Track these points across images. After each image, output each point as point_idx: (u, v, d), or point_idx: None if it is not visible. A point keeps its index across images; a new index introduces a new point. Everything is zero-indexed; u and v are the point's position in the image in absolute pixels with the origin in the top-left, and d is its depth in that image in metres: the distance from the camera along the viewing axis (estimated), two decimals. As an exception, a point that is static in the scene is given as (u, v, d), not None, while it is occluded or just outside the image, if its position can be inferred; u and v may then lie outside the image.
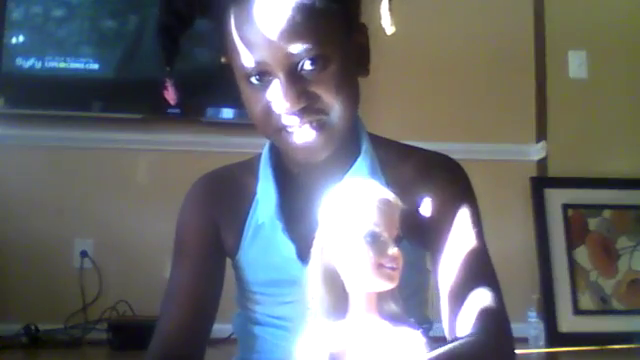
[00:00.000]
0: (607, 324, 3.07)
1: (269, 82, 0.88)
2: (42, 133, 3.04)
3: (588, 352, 2.90)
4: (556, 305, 3.09)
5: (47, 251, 2.98)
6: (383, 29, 0.85)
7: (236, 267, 1.01)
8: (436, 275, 0.93)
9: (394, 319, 0.71)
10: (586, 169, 3.29)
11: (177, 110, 2.94)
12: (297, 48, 0.84)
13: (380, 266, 0.69)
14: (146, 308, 2.72)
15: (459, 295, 0.88)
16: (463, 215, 0.93)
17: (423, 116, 3.22)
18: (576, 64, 3.38)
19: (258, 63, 0.86)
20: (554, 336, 3.02)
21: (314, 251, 0.72)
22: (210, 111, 3.13)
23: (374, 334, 0.69)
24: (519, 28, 3.37)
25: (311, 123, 0.88)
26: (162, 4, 0.94)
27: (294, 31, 0.84)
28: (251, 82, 0.89)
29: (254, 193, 0.99)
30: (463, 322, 0.86)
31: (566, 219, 3.21)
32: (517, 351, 0.88)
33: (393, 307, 0.71)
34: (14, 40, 3.06)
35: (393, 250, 0.69)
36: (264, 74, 0.87)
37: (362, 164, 0.95)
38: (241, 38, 0.87)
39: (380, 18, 0.86)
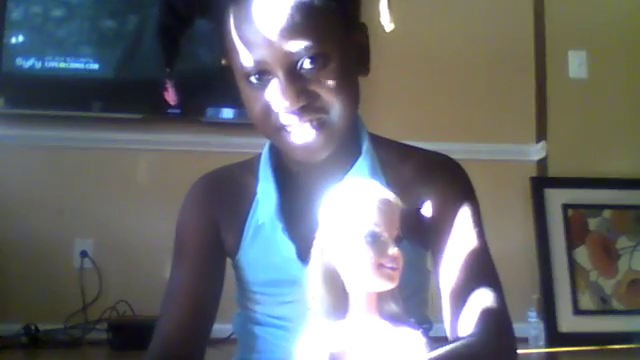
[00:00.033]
0: (607, 324, 3.07)
1: (268, 81, 0.88)
2: (42, 133, 3.04)
3: (588, 352, 2.90)
4: (556, 305, 3.09)
5: (47, 251, 2.98)
6: (382, 26, 0.84)
7: (236, 267, 1.01)
8: (437, 275, 0.93)
9: (394, 319, 0.71)
10: (586, 169, 3.29)
11: (177, 110, 2.94)
12: (296, 46, 0.84)
13: (380, 266, 0.69)
14: (146, 308, 2.72)
15: (461, 295, 0.88)
16: (464, 215, 0.93)
17: (423, 116, 3.21)
18: (576, 64, 3.38)
19: (257, 62, 0.86)
20: (554, 336, 3.02)
21: (314, 251, 0.72)
22: (210, 111, 3.12)
23: (374, 334, 0.69)
24: (519, 28, 3.37)
25: (311, 122, 0.88)
26: (162, 5, 0.94)
27: (293, 29, 0.84)
28: (250, 81, 0.89)
29: (254, 193, 0.99)
30: (465, 322, 0.86)
31: (566, 219, 3.21)
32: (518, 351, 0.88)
33: (393, 307, 0.71)
34: (14, 40, 3.06)
35: (393, 250, 0.69)
36: (263, 73, 0.87)
37: (363, 164, 0.94)
38: (240, 37, 0.87)
39: (379, 16, 0.86)
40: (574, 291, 3.11)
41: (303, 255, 0.88)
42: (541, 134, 3.34)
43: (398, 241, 0.70)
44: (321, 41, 0.85)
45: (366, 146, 0.96)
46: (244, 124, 2.54)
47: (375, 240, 0.68)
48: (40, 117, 3.04)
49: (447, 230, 0.92)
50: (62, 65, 3.05)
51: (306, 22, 0.84)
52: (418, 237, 0.94)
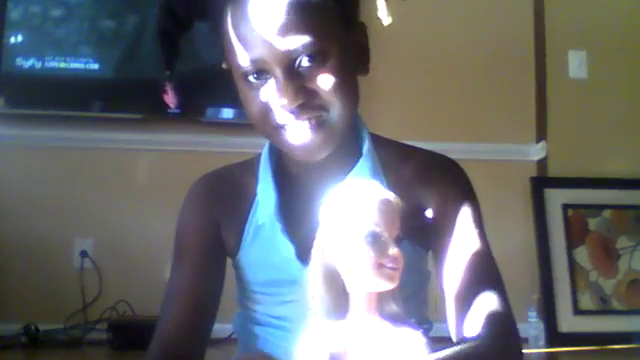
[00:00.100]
0: (607, 324, 3.07)
1: (266, 80, 0.87)
2: (42, 133, 3.04)
3: (588, 352, 2.90)
4: (556, 305, 3.09)
5: (47, 251, 2.98)
6: (380, 20, 0.84)
7: (236, 267, 1.01)
8: (440, 277, 0.93)
9: (394, 319, 0.71)
10: (586, 169, 3.29)
11: (177, 110, 2.93)
12: (294, 44, 0.84)
13: (381, 266, 0.69)
14: (146, 308, 2.72)
15: (466, 299, 0.88)
16: (465, 216, 0.93)
17: (423, 116, 3.22)
18: (576, 64, 3.39)
19: (255, 61, 0.86)
20: (554, 336, 3.02)
21: (315, 251, 0.72)
22: (210, 111, 3.12)
23: (374, 334, 0.69)
24: (519, 28, 3.37)
25: (310, 120, 0.88)
26: (162, 9, 0.94)
27: (290, 27, 0.84)
28: (249, 81, 0.88)
29: (255, 193, 0.99)
30: (470, 326, 0.86)
31: (566, 219, 3.21)
32: (519, 352, 0.88)
33: (393, 307, 0.71)
34: (14, 40, 3.06)
35: (394, 250, 0.69)
36: (262, 72, 0.87)
37: (364, 165, 0.94)
38: (238, 37, 0.87)
39: (377, 10, 0.86)
40: (574, 291, 3.11)
41: (303, 255, 0.88)
42: (541, 134, 3.34)
43: (398, 241, 0.70)
44: (319, 38, 0.85)
45: (367, 147, 0.96)
46: (244, 124, 2.53)
47: (375, 240, 0.68)
48: (40, 117, 3.04)
49: (448, 231, 0.92)
50: (62, 65, 3.06)
51: (303, 19, 0.84)
52: (418, 237, 0.93)
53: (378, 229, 0.69)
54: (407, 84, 3.23)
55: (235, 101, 0.93)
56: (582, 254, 3.18)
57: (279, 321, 0.96)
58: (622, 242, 3.22)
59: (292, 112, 0.87)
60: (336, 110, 0.88)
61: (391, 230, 0.70)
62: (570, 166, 3.30)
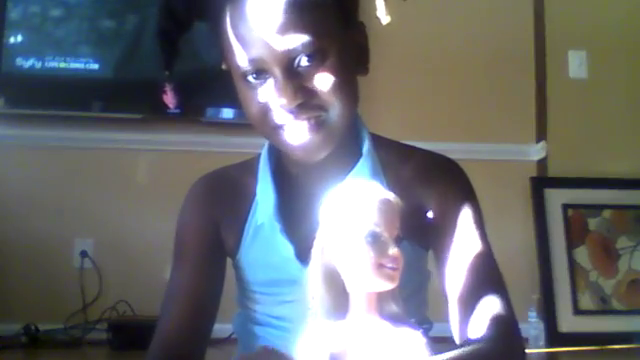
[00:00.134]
0: (607, 324, 3.07)
1: (265, 80, 0.87)
2: (42, 133, 3.04)
3: (588, 352, 2.90)
4: (556, 305, 3.08)
5: (47, 251, 2.98)
6: (379, 19, 0.84)
7: (236, 267, 1.01)
8: (442, 278, 0.92)
9: (394, 319, 0.71)
10: (586, 169, 3.29)
11: (177, 110, 2.93)
12: (293, 43, 0.84)
13: (380, 266, 0.69)
14: (146, 308, 2.72)
15: (469, 301, 0.88)
16: (465, 216, 0.93)
17: (423, 116, 3.21)
18: (576, 64, 3.39)
19: (254, 60, 0.86)
20: (554, 336, 3.02)
21: (315, 251, 0.72)
22: (210, 111, 3.12)
23: (374, 334, 0.69)
24: (519, 28, 3.37)
25: (309, 120, 0.87)
26: (161, 10, 0.94)
27: (289, 26, 0.84)
28: (248, 81, 0.88)
29: (254, 193, 0.99)
30: (474, 328, 0.86)
31: (566, 219, 3.21)
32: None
33: (393, 307, 0.71)
34: (13, 40, 3.06)
35: (394, 250, 0.69)
36: (261, 72, 0.87)
37: (364, 166, 0.94)
38: (236, 36, 0.87)
39: (375, 9, 0.86)
40: (574, 291, 3.11)
41: (302, 255, 0.88)
42: (541, 134, 3.34)
43: (398, 241, 0.70)
44: (318, 37, 0.84)
45: (367, 147, 0.96)
46: (244, 124, 2.52)
47: (375, 240, 0.68)
48: (40, 117, 3.04)
49: (448, 231, 0.92)
50: (62, 65, 3.06)
51: (302, 18, 0.84)
52: (418, 237, 0.93)
53: (378, 229, 0.69)
54: (407, 84, 3.23)
55: (235, 101, 0.93)
56: (582, 254, 3.18)
57: (279, 321, 0.96)
58: (622, 242, 3.22)
59: (291, 112, 0.87)
60: (335, 110, 0.88)
61: (391, 230, 0.70)
62: (570, 166, 3.30)
